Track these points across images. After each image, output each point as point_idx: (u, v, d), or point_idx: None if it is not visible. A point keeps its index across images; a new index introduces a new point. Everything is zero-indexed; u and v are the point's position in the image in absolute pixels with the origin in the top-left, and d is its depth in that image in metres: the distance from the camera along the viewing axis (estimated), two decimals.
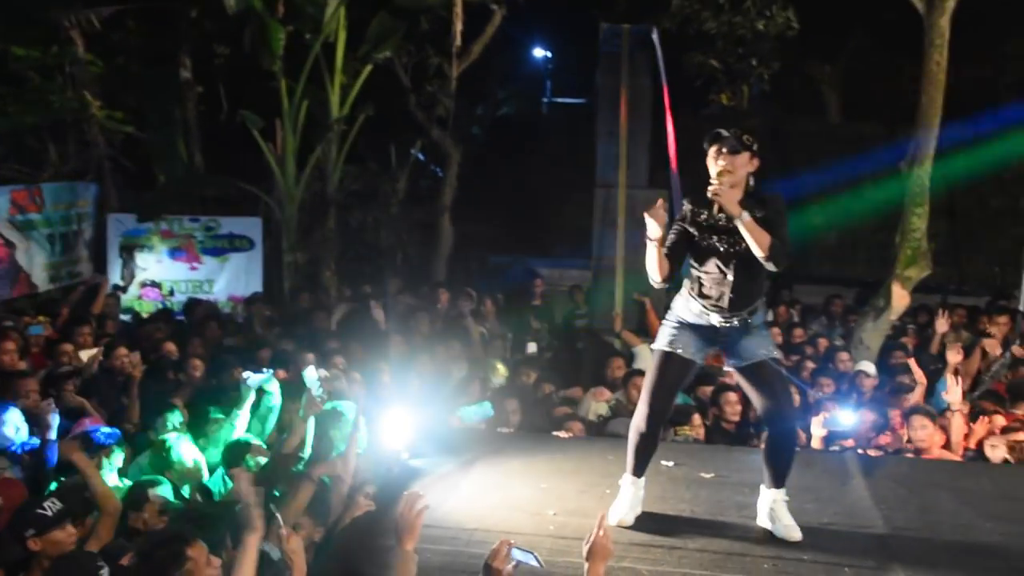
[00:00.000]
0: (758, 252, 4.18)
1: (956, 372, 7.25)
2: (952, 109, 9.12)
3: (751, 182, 4.31)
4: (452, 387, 7.45)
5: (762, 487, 4.60)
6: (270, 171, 11.75)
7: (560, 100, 24.77)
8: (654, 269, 4.37)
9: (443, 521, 4.69)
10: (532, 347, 8.68)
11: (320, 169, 12.14)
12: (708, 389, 7.34)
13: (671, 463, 5.50)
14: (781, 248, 4.19)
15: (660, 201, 4.29)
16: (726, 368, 4.78)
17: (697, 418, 6.69)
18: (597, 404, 7.19)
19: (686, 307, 4.48)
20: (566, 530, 4.58)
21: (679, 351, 4.46)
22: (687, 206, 4.40)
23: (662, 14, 10.74)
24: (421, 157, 14.69)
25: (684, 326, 4.48)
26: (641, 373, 7.56)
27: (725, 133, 4.27)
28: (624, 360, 8.03)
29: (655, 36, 8.80)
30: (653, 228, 4.28)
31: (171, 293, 11.59)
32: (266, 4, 10.77)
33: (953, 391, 6.47)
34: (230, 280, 11.68)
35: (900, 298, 8.81)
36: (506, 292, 11.59)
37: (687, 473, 5.38)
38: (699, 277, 4.42)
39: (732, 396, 6.88)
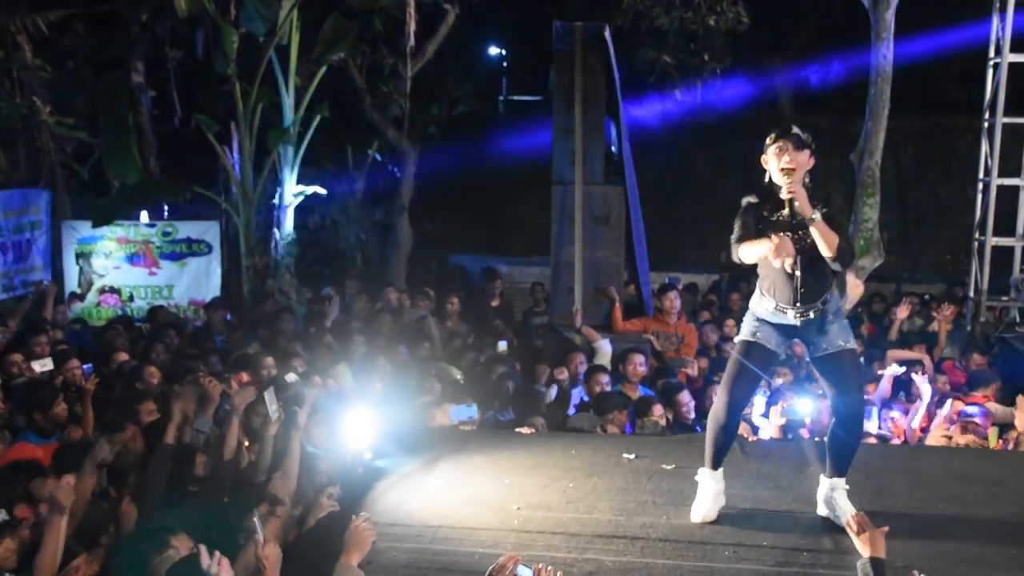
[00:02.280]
0: (826, 252, 4.26)
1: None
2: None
3: (808, 180, 4.37)
4: (413, 387, 7.46)
5: (821, 476, 4.68)
6: (226, 175, 11.69)
7: (517, 98, 24.80)
8: (751, 259, 4.39)
9: (408, 519, 4.73)
10: (502, 345, 8.71)
11: (277, 172, 12.08)
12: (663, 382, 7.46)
13: (632, 455, 5.58)
14: (848, 249, 4.31)
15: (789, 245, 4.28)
16: (806, 359, 4.82)
17: (658, 408, 6.79)
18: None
19: (761, 306, 4.55)
20: (530, 524, 4.63)
21: (761, 341, 4.52)
22: (752, 201, 4.42)
23: (614, 11, 10.83)
24: (378, 158, 14.67)
25: (764, 322, 4.55)
26: (603, 368, 7.67)
27: (792, 130, 4.31)
28: (585, 355, 8.10)
29: (607, 33, 8.86)
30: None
31: (131, 299, 11.51)
32: (218, 7, 10.70)
33: (924, 387, 6.85)
34: (190, 284, 11.62)
35: (855, 287, 8.97)
36: (466, 291, 11.62)
37: (648, 465, 5.45)
38: (768, 275, 4.49)
39: (684, 396, 7.01)
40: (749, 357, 4.53)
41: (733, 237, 4.45)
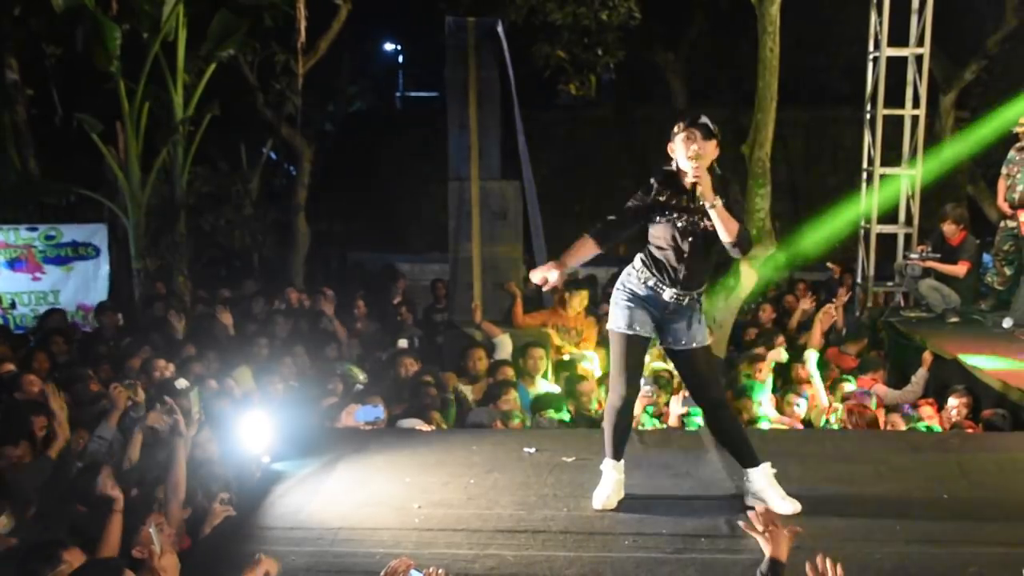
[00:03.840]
0: (726, 238, 4.33)
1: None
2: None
3: (716, 168, 4.41)
4: (315, 389, 7.36)
5: (744, 469, 4.72)
6: (113, 176, 11.31)
7: (414, 94, 24.68)
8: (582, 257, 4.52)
9: (307, 522, 4.64)
10: (403, 343, 8.67)
11: (167, 172, 11.76)
12: (565, 375, 7.51)
13: (532, 449, 5.58)
14: (746, 235, 4.39)
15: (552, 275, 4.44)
16: (659, 347, 4.90)
17: (561, 402, 6.83)
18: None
19: (638, 281, 4.56)
20: (431, 522, 4.60)
21: (637, 331, 4.55)
22: (655, 183, 4.47)
23: (507, 6, 10.84)
24: (273, 156, 14.41)
25: (636, 300, 4.55)
26: (506, 363, 7.68)
27: (700, 119, 4.36)
28: (485, 351, 8.10)
29: (500, 28, 8.88)
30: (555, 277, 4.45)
31: (12, 306, 11.06)
32: (99, 2, 10.32)
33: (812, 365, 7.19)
34: (77, 289, 11.24)
35: (748, 276, 9.17)
36: (366, 290, 11.53)
37: (549, 458, 5.46)
38: (653, 253, 4.51)
39: (585, 389, 7.06)
40: (628, 350, 4.59)
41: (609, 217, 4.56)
